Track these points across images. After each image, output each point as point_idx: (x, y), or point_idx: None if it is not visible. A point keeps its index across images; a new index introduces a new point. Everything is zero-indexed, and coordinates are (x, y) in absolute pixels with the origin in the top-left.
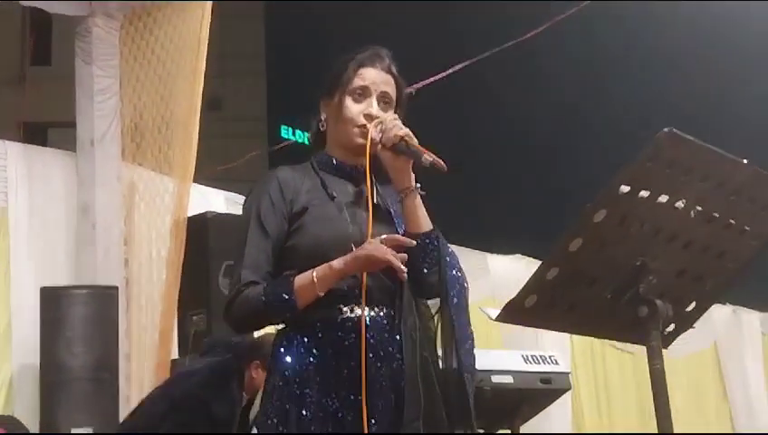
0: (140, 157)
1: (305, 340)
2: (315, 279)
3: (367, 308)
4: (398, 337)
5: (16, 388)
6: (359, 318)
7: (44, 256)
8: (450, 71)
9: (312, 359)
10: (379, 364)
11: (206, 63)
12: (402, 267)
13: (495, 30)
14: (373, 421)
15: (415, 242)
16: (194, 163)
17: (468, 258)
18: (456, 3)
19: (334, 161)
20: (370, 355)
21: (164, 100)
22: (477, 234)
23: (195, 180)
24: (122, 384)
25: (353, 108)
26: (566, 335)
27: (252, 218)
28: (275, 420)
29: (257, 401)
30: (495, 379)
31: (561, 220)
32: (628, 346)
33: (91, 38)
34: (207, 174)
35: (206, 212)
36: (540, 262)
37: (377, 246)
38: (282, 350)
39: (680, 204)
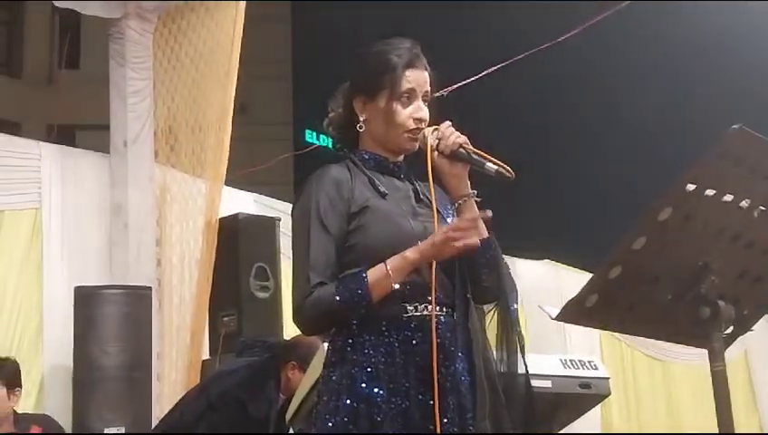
0: (174, 159)
1: (371, 338)
2: (390, 271)
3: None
4: (459, 336)
5: (47, 387)
6: (424, 317)
7: (76, 256)
8: (482, 74)
9: (381, 358)
10: (447, 363)
11: None
12: (476, 241)
13: (523, 31)
14: (445, 420)
15: (490, 213)
16: (225, 165)
17: None
18: (485, 3)
19: (377, 158)
20: (440, 355)
21: (197, 102)
22: (505, 239)
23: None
24: (154, 384)
25: (403, 112)
26: (595, 340)
27: (312, 218)
28: (346, 419)
29: (294, 402)
30: (533, 383)
31: (590, 227)
32: (659, 353)
33: (125, 40)
34: (233, 176)
35: (237, 213)
36: (566, 267)
37: (452, 231)
38: (348, 348)
39: (744, 203)
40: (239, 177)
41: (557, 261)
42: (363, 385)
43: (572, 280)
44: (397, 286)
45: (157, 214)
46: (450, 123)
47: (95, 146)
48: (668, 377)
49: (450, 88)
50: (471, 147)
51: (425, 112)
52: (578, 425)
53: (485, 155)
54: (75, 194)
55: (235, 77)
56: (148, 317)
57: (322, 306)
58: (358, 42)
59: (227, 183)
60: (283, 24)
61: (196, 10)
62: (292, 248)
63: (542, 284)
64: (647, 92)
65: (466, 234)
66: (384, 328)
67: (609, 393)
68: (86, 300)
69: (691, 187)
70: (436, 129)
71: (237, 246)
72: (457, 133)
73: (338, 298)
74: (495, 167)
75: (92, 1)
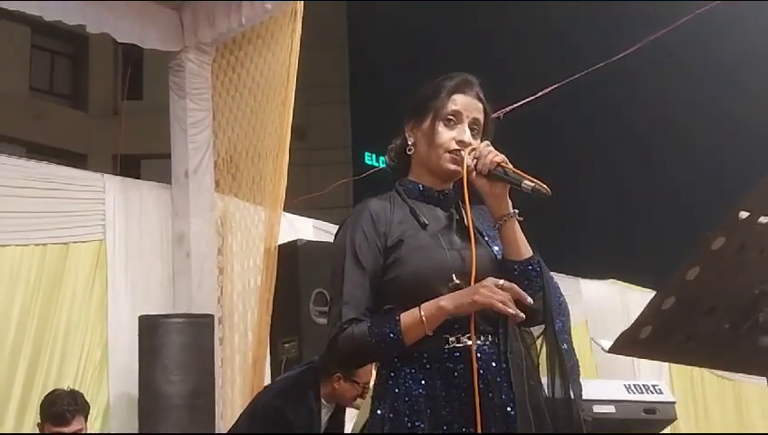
0: (236, 188)
1: (413, 371)
2: (424, 319)
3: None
4: (504, 366)
5: (112, 415)
6: (466, 348)
7: (140, 286)
8: (537, 95)
9: (421, 390)
10: (490, 395)
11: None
12: (520, 315)
13: (579, 52)
14: None
15: (532, 300)
16: (284, 192)
17: (560, 283)
18: (536, 28)
19: (421, 187)
20: (481, 385)
21: (256, 131)
22: (569, 259)
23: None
24: (217, 411)
25: (445, 134)
26: (664, 362)
27: (347, 253)
28: None
29: (350, 425)
30: (597, 408)
31: (655, 245)
32: (729, 374)
33: (185, 72)
34: (293, 202)
35: (296, 240)
36: (632, 287)
37: (495, 293)
38: (390, 382)
39: None
40: (298, 203)
41: (622, 280)
42: (406, 419)
43: (638, 299)
44: (431, 334)
45: (219, 242)
46: (489, 143)
47: (160, 174)
48: (739, 398)
49: (504, 110)
50: (510, 166)
51: (468, 136)
52: None
53: (522, 173)
54: (138, 225)
55: (292, 105)
56: (211, 345)
57: (354, 344)
58: (414, 65)
59: (286, 209)
60: (341, 49)
61: (252, 41)
62: (330, 284)
63: (608, 303)
64: (715, 112)
65: (503, 298)
66: (425, 360)
67: (676, 418)
68: (150, 329)
69: (744, 214)
70: (473, 149)
71: (297, 272)
72: (495, 152)
73: (369, 339)
74: (532, 184)
75: (152, 36)
